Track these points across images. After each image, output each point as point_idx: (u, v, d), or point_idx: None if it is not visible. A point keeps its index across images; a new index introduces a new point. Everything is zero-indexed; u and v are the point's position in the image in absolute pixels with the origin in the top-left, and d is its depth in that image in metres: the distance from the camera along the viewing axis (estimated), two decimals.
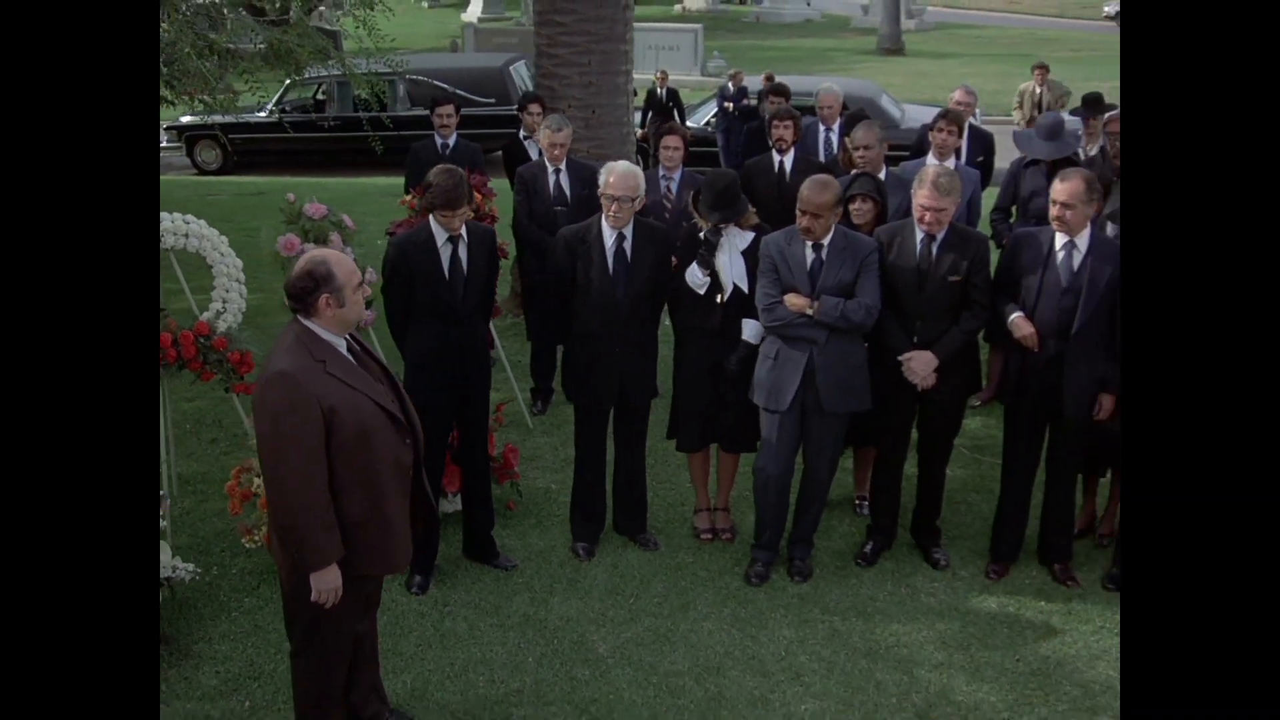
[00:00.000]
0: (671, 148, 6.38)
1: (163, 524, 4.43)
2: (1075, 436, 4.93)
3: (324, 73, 12.61)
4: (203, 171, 15.67)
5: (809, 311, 4.67)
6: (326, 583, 3.45)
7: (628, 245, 4.94)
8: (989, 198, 6.91)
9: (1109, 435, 4.95)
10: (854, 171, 5.74)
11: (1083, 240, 4.68)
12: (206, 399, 6.86)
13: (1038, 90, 13.16)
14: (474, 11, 32.73)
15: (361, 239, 7.11)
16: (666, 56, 22.36)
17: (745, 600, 4.92)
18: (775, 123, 6.79)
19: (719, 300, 4.97)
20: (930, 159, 6.37)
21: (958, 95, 7.55)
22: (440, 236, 4.67)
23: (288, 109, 15.37)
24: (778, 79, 11.95)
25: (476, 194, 6.22)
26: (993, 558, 5.19)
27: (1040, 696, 4.30)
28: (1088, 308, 4.64)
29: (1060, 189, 4.64)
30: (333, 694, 3.78)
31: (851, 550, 5.33)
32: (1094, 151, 7.14)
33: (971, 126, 7.16)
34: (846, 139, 6.26)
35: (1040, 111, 12.31)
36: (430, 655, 4.52)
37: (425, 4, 37.53)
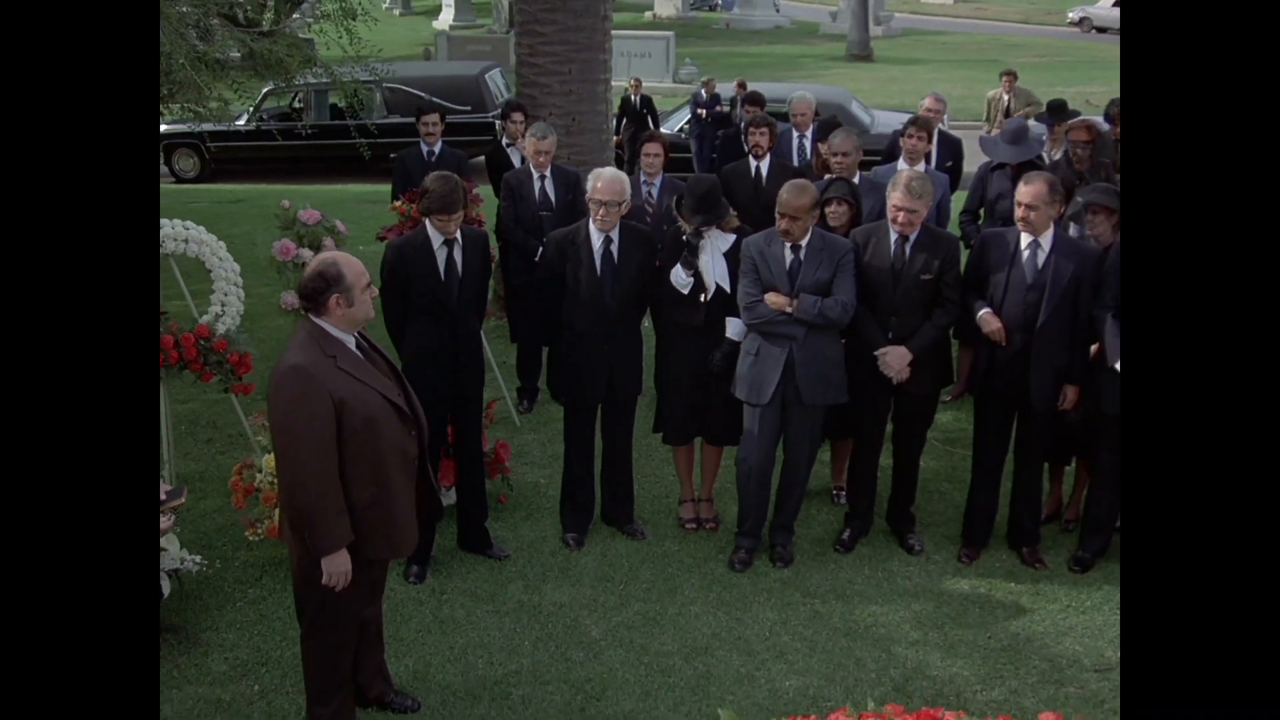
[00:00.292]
0: (652, 154, 6.57)
1: (174, 516, 4.58)
2: (1041, 426, 5.17)
3: (299, 81, 12.69)
4: (180, 180, 15.59)
5: (788, 309, 4.89)
6: (337, 566, 3.64)
7: (614, 248, 5.14)
8: (958, 200, 7.17)
9: (1073, 425, 5.22)
10: (829, 176, 5.93)
11: (1046, 240, 4.92)
12: (200, 401, 7.00)
13: (1005, 97, 13.41)
14: (446, 19, 32.77)
15: (344, 244, 7.24)
16: (639, 64, 22.47)
17: (730, 585, 5.13)
18: (752, 130, 6.99)
19: (703, 299, 5.19)
20: (901, 164, 6.50)
21: (927, 102, 7.70)
22: (436, 239, 4.86)
23: (265, 117, 15.42)
24: (750, 86, 12.21)
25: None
26: (964, 542, 5.43)
27: (1010, 670, 4.54)
28: (1051, 303, 4.87)
29: (1025, 191, 4.87)
30: (341, 675, 3.96)
31: (830, 537, 5.54)
32: (1058, 156, 7.39)
33: (940, 132, 7.36)
34: (821, 145, 6.45)
35: (1007, 118, 12.57)
36: (430, 640, 4.70)
37: (397, 11, 37.53)
